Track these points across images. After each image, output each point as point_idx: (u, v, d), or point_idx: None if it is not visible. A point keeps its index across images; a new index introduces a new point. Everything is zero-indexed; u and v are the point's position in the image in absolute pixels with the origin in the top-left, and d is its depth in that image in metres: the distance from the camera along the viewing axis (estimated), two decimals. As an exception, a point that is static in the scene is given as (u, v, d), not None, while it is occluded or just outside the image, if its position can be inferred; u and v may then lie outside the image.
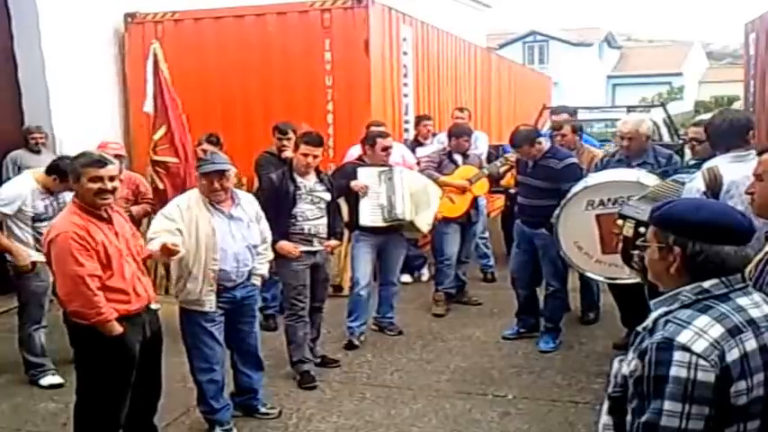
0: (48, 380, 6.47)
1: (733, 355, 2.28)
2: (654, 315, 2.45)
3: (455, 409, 5.99)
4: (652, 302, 2.53)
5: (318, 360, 6.85)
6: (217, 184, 5.29)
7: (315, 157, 6.42)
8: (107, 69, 10.47)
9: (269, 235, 5.81)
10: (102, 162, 4.48)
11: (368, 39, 9.44)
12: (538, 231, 7.12)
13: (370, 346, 7.46)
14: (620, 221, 4.76)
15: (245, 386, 5.83)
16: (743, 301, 2.41)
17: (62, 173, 5.92)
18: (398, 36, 10.31)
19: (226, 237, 5.36)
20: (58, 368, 6.55)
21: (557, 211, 6.44)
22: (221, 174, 5.31)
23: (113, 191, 4.51)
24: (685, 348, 2.26)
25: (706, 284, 2.40)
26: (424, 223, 7.56)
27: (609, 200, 6.18)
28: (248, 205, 5.60)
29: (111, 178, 4.48)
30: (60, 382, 6.41)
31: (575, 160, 7.23)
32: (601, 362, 6.83)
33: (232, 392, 5.81)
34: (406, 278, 9.60)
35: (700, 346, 2.26)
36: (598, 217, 6.23)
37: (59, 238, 4.42)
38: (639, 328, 2.48)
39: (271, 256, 5.90)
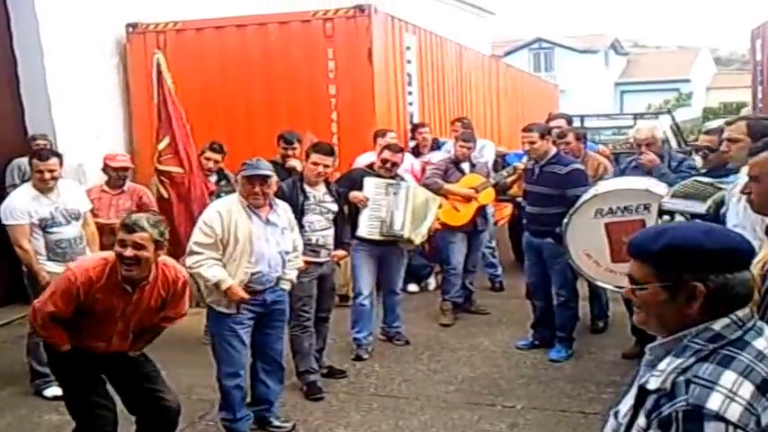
0: (52, 391, 6.39)
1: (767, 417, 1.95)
2: (663, 368, 2.07)
3: (463, 420, 5.92)
4: (648, 347, 2.19)
5: (325, 371, 6.80)
6: (258, 189, 5.38)
7: (326, 166, 6.41)
8: (109, 79, 10.46)
9: (300, 243, 5.90)
10: (128, 227, 4.40)
11: (371, 47, 9.42)
12: (545, 241, 7.05)
13: (377, 355, 7.39)
14: (665, 217, 4.74)
15: (261, 396, 5.78)
16: (760, 343, 2.06)
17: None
18: (402, 44, 10.28)
19: (261, 241, 5.44)
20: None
21: (565, 220, 6.38)
22: (263, 179, 5.40)
23: (138, 260, 4.37)
24: (720, 418, 1.90)
25: (717, 327, 2.05)
26: (419, 237, 7.51)
27: (618, 208, 6.14)
28: (284, 213, 5.69)
29: (137, 246, 4.34)
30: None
31: (579, 166, 7.19)
32: (610, 371, 6.80)
33: (247, 403, 5.76)
34: (413, 287, 9.57)
35: (734, 412, 1.91)
36: (607, 225, 6.18)
37: (68, 272, 4.52)
38: (651, 388, 2.06)
39: (300, 263, 5.93)
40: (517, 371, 6.95)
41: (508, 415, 5.99)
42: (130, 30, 10.38)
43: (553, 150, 7.22)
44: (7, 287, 8.57)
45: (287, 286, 5.74)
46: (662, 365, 2.08)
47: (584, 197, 6.39)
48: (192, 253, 5.34)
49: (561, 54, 51.28)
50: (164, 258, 4.70)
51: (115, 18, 10.31)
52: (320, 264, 6.45)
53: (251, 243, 5.38)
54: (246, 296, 5.37)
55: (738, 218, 4.21)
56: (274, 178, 5.58)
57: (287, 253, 5.64)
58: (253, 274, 5.43)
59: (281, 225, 5.60)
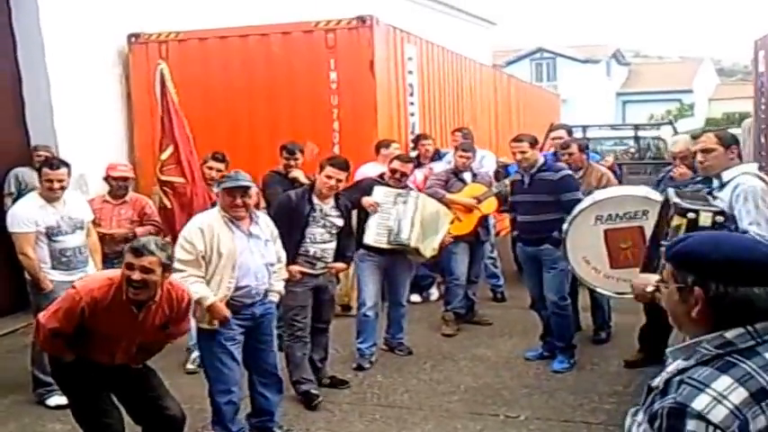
0: (55, 400, 6.39)
1: (758, 425, 1.96)
2: (669, 369, 2.15)
3: (466, 430, 5.91)
4: (668, 350, 2.26)
5: (328, 381, 6.80)
6: (239, 201, 5.33)
7: (338, 180, 6.39)
8: (111, 89, 10.49)
9: (284, 255, 5.84)
10: (136, 250, 4.44)
11: (372, 58, 9.44)
12: (541, 248, 7.04)
13: (380, 366, 7.38)
14: (690, 215, 4.81)
15: (261, 408, 5.75)
16: None
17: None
18: (403, 55, 10.30)
19: (245, 254, 5.38)
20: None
21: (565, 226, 6.37)
22: (244, 190, 5.35)
23: (146, 284, 4.42)
24: (701, 417, 1.94)
25: (729, 335, 2.08)
26: (429, 249, 7.48)
27: (617, 215, 6.12)
28: (265, 225, 5.64)
29: (144, 269, 4.39)
30: (68, 403, 6.33)
31: (569, 171, 7.23)
32: (613, 382, 6.79)
33: (248, 414, 5.76)
34: (416, 298, 9.54)
35: (718, 414, 1.94)
36: (606, 232, 6.16)
37: (75, 292, 4.52)
38: (652, 384, 2.18)
39: (285, 274, 5.90)
40: (520, 381, 6.93)
41: (511, 425, 5.98)
42: (133, 40, 10.40)
43: (542, 159, 7.29)
44: (11, 296, 8.58)
45: (275, 298, 5.71)
46: (670, 367, 2.16)
47: (583, 204, 6.37)
48: (174, 270, 5.14)
49: (563, 64, 51.28)
50: (170, 278, 4.73)
51: (117, 28, 10.34)
52: (315, 276, 6.44)
53: (234, 258, 5.31)
54: (229, 314, 5.30)
55: (752, 216, 4.70)
56: (254, 189, 5.56)
57: (272, 264, 5.59)
58: (241, 288, 5.37)
59: (264, 237, 5.54)
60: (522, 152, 7.09)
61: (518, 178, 7.36)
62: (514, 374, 7.11)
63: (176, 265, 5.17)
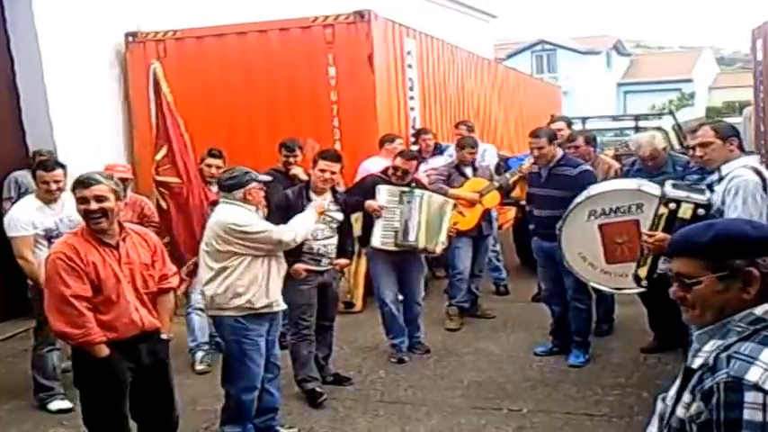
0: (56, 404, 6.39)
1: None
2: (708, 349, 2.26)
3: (470, 425, 5.91)
4: (695, 334, 2.35)
5: (331, 378, 6.79)
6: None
7: (332, 173, 6.37)
8: (109, 89, 10.44)
9: None
10: (84, 182, 4.40)
11: (371, 53, 9.40)
12: (556, 243, 6.96)
13: (382, 362, 7.38)
14: (671, 205, 4.96)
15: (267, 406, 5.70)
16: None
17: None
18: (402, 49, 10.28)
19: None
20: (67, 392, 6.41)
21: (559, 223, 6.34)
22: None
23: (104, 212, 4.37)
24: (758, 388, 2.07)
25: (758, 311, 2.24)
26: (439, 246, 7.44)
27: (611, 209, 6.09)
28: None
29: (98, 198, 4.35)
30: (69, 407, 6.29)
31: (588, 167, 7.13)
32: (616, 374, 6.78)
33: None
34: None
35: None
36: (601, 227, 6.14)
37: (50, 259, 4.45)
38: (694, 366, 2.27)
39: None
40: (522, 374, 6.93)
41: (514, 419, 5.97)
42: (130, 39, 10.37)
43: (560, 153, 7.15)
44: (7, 301, 8.54)
45: None
46: (706, 347, 2.26)
47: (577, 199, 6.33)
48: (262, 231, 5.37)
49: (564, 55, 51.18)
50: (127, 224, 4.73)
51: (114, 28, 10.31)
52: (320, 272, 6.42)
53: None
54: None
55: (738, 211, 4.71)
56: None
57: None
58: None
59: None
60: (540, 147, 6.99)
61: (534, 170, 7.30)
62: (517, 368, 7.10)
63: (260, 227, 5.41)
